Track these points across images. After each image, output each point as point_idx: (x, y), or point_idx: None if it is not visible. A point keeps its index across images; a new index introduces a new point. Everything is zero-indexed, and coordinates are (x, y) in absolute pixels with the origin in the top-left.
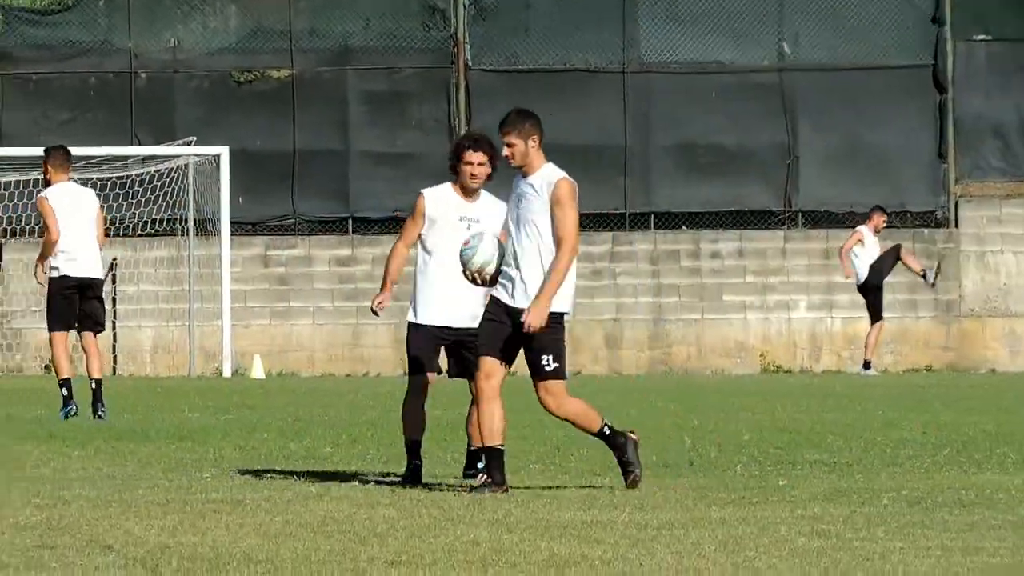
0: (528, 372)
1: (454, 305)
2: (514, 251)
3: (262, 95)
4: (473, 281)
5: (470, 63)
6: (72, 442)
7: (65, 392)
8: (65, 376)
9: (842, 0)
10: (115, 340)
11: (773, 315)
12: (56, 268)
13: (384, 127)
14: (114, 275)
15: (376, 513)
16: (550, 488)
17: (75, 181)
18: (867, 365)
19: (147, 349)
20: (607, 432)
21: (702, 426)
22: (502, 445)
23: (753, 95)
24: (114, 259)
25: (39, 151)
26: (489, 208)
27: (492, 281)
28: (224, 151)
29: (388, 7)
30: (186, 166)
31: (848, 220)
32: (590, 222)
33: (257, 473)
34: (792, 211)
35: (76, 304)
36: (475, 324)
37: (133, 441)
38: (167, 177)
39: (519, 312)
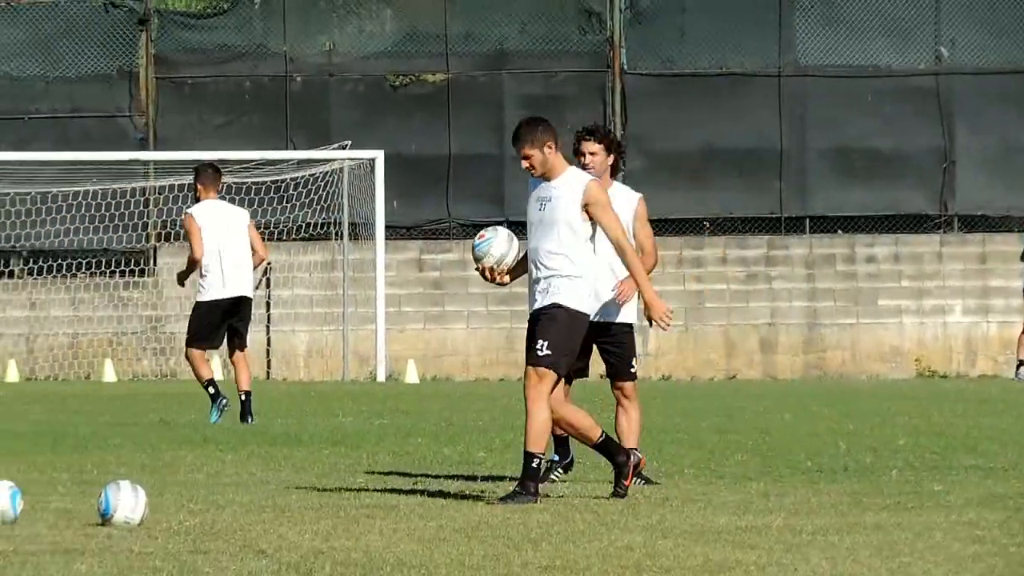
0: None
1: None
2: (538, 254)
3: (417, 99)
4: (488, 278)
5: (626, 67)
6: (226, 447)
7: (212, 390)
8: (208, 377)
9: (1000, 3)
10: (269, 344)
11: (928, 320)
12: (203, 289)
13: None
14: (268, 279)
15: (530, 518)
16: (704, 493)
17: (224, 197)
18: (1022, 364)
19: (301, 353)
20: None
21: (857, 431)
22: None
23: (909, 98)
24: (268, 263)
25: (194, 155)
26: (614, 198)
27: (511, 276)
28: (379, 155)
29: (544, 11)
30: (341, 170)
31: (1004, 224)
32: (745, 226)
33: (411, 478)
34: (948, 215)
35: (221, 325)
36: (613, 319)
37: (287, 446)
38: (322, 181)
39: (536, 313)
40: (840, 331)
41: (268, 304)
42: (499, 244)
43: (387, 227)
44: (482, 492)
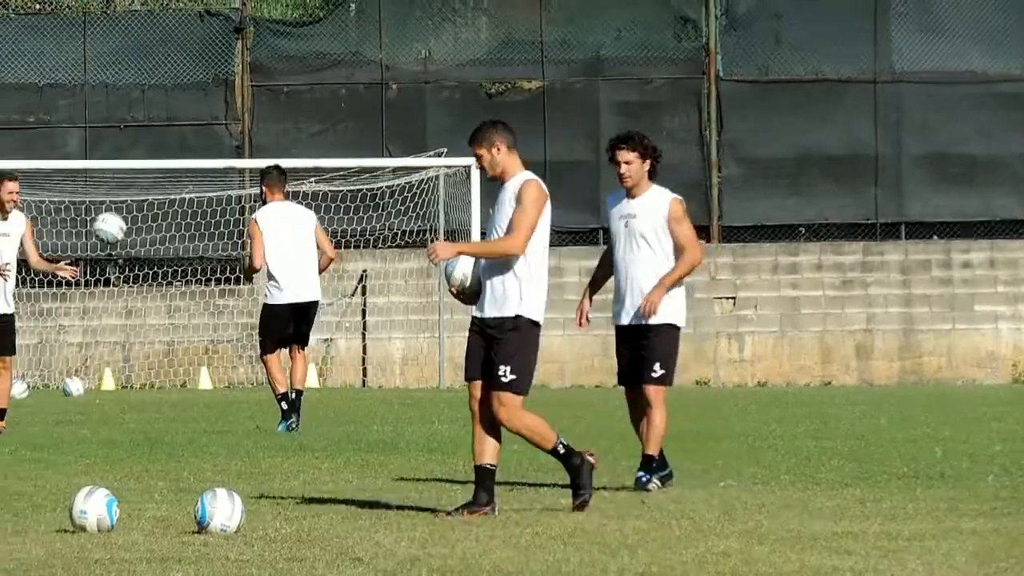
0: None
1: (620, 306)
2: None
3: (513, 106)
4: (458, 297)
5: (721, 73)
6: (322, 455)
7: (284, 405)
8: (282, 391)
9: None
10: (365, 352)
11: None
12: (269, 293)
13: None
14: (364, 287)
15: (626, 524)
16: (801, 499)
17: (309, 204)
18: None
19: (397, 361)
20: (561, 451)
21: (953, 437)
22: (492, 465)
23: (1005, 104)
24: (364, 271)
25: (290, 163)
26: (647, 202)
27: (474, 298)
28: (475, 162)
29: (640, 18)
30: (436, 177)
31: None
32: (841, 232)
33: (507, 485)
34: None
35: (289, 327)
36: (648, 322)
37: (383, 453)
38: (417, 188)
39: (488, 322)
40: (936, 337)
41: (364, 311)
42: (460, 267)
43: (482, 234)
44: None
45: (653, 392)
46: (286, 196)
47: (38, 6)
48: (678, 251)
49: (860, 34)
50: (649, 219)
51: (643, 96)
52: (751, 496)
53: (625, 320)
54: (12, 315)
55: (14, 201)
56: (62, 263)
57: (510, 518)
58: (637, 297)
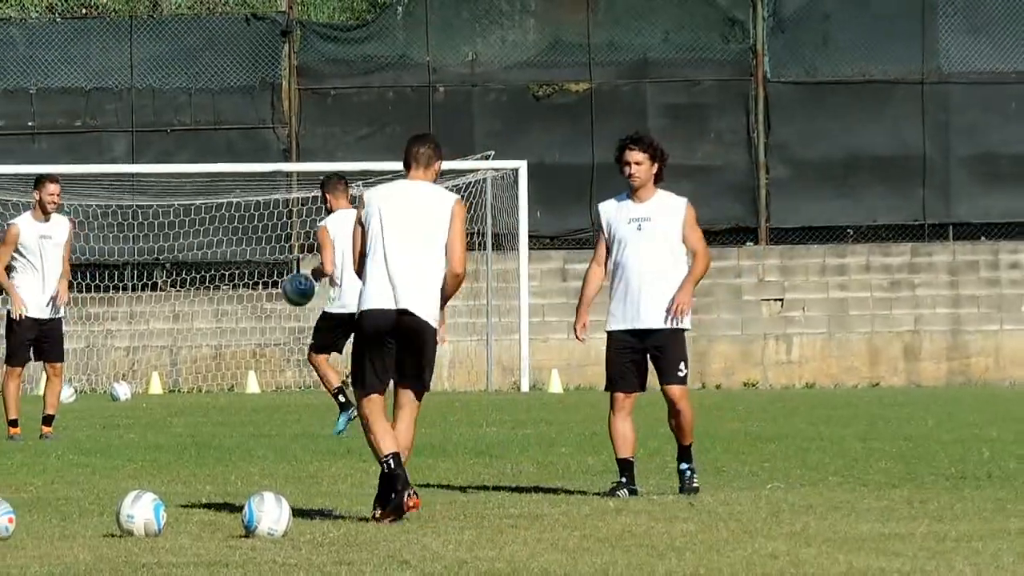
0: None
1: (632, 310)
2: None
3: (560, 108)
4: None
5: (769, 75)
6: (369, 458)
7: (342, 398)
8: (337, 386)
9: None
10: None
11: None
12: (332, 299)
13: (683, 140)
14: None
15: (674, 527)
16: (848, 500)
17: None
18: None
19: (445, 364)
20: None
21: (1001, 437)
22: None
23: None
24: None
25: (337, 166)
26: (663, 205)
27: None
28: (522, 165)
29: (687, 20)
30: (484, 180)
31: None
32: (889, 233)
33: (555, 488)
34: None
35: (346, 337)
36: (644, 325)
37: (431, 456)
38: (465, 191)
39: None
40: (984, 338)
41: None
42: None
43: (530, 237)
44: (627, 503)
45: (680, 392)
46: (351, 203)
47: (84, 10)
48: (689, 255)
49: (907, 35)
50: (666, 223)
51: (691, 98)
52: (799, 498)
53: (637, 324)
54: (60, 320)
55: (55, 203)
56: (64, 286)
57: (557, 520)
58: (650, 300)
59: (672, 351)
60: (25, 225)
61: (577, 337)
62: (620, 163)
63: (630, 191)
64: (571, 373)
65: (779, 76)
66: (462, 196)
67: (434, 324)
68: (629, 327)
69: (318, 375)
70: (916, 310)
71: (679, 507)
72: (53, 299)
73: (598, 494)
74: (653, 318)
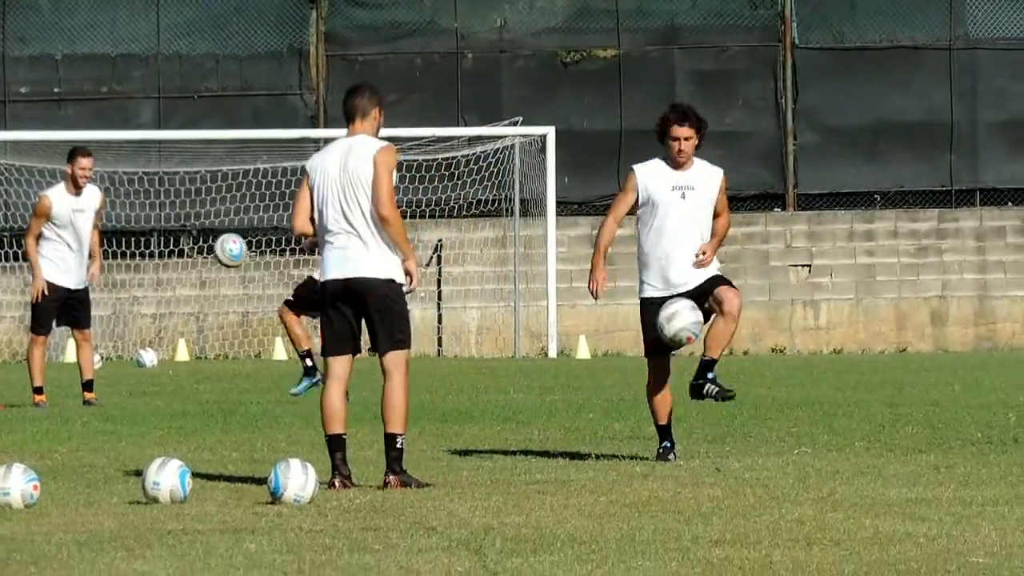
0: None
1: (675, 275)
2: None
3: (589, 75)
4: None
5: (797, 41)
6: None
7: (309, 362)
8: (306, 348)
9: None
10: (440, 321)
11: None
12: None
13: (711, 106)
14: (439, 256)
15: (701, 492)
16: (875, 465)
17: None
18: None
19: (472, 330)
20: None
21: None
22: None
23: None
24: (439, 240)
25: None
26: (704, 175)
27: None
28: (550, 131)
29: None
30: (512, 146)
31: None
32: (916, 199)
33: (582, 454)
34: None
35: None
36: (683, 288)
37: (458, 423)
38: (493, 158)
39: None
40: (1011, 303)
41: (439, 281)
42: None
43: (558, 203)
44: (653, 468)
45: (739, 305)
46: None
47: None
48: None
49: (935, 1)
50: (708, 191)
51: (718, 64)
52: (825, 463)
53: (683, 288)
54: (87, 289)
55: (87, 177)
56: (96, 266)
57: (584, 486)
58: (688, 264)
59: (711, 294)
60: (57, 198)
61: (594, 295)
62: (665, 137)
63: (671, 160)
64: (598, 339)
65: (807, 42)
66: (490, 162)
67: (389, 276)
68: (670, 294)
69: (287, 331)
70: (943, 276)
71: (706, 472)
72: (85, 272)
73: (628, 457)
74: (691, 283)
